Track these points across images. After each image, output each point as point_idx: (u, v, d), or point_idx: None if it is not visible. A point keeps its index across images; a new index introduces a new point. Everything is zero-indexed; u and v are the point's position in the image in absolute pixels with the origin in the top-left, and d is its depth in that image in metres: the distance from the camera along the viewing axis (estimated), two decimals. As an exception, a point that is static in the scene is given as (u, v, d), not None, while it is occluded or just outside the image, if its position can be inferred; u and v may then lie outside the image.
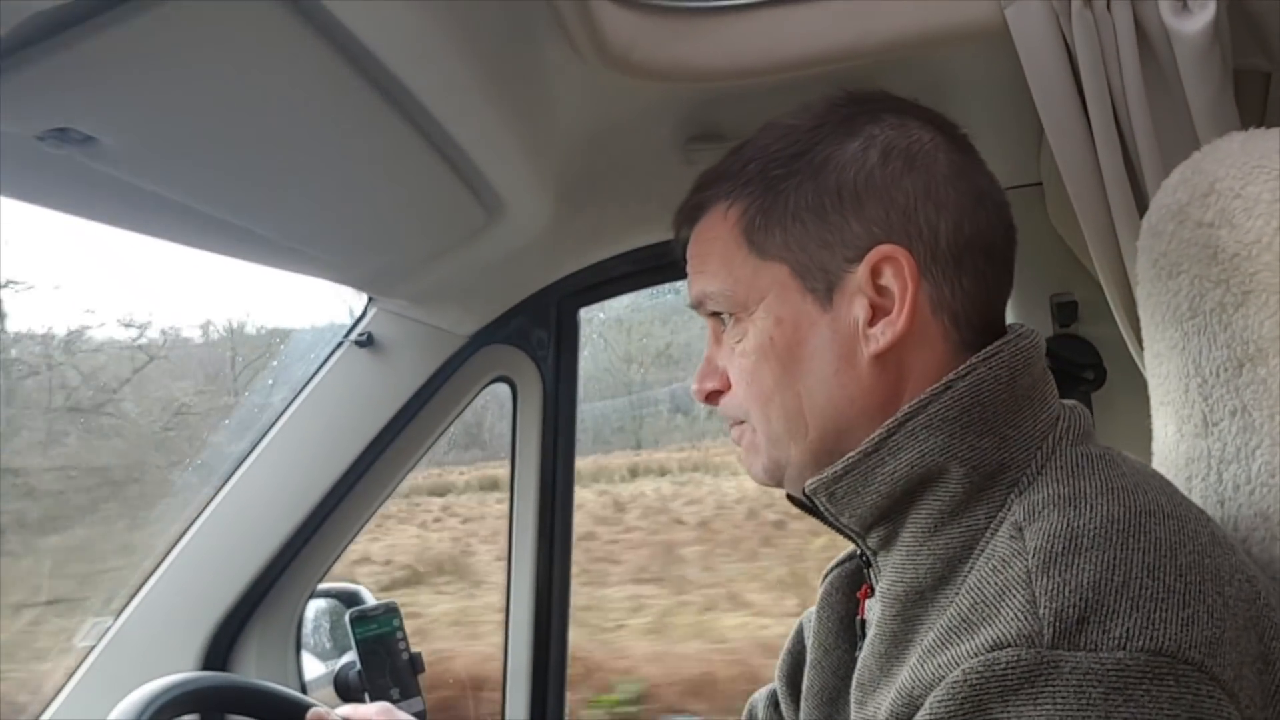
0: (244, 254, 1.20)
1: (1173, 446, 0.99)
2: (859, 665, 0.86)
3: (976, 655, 0.69)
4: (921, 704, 0.71)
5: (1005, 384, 0.82)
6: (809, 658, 1.05)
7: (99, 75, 0.73)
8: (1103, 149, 1.14)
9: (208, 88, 0.81)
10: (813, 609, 1.16)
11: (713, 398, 0.95)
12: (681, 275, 1.77)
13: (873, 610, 0.90)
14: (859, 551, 0.92)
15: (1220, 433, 0.91)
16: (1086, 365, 1.52)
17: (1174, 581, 0.69)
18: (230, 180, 0.98)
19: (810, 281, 0.86)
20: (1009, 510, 0.78)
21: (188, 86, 0.79)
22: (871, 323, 0.84)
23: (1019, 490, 0.79)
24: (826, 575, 1.07)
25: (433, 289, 1.53)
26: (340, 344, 1.65)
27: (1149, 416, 1.05)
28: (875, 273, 0.84)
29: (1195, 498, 0.93)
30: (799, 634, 1.17)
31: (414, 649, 1.60)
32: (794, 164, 0.87)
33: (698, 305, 0.94)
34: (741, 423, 0.93)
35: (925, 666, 0.73)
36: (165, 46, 0.73)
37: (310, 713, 1.25)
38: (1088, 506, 0.74)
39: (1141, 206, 1.12)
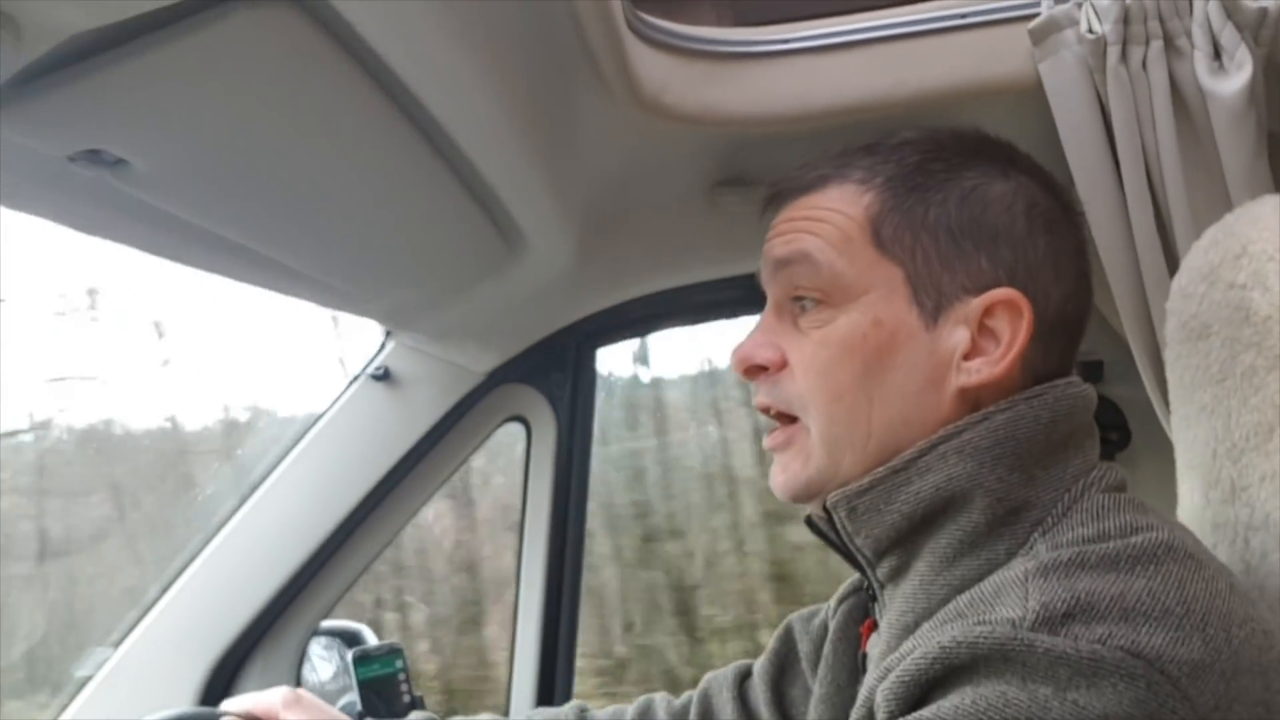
0: (267, 283, 1.20)
1: (1198, 512, 0.97)
2: (859, 700, 0.84)
3: (957, 629, 0.69)
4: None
5: (1044, 425, 0.81)
6: (818, 691, 1.02)
7: (131, 99, 0.73)
8: (1134, 208, 1.13)
9: (239, 115, 0.81)
10: (802, 611, 1.15)
11: (756, 373, 0.90)
12: (698, 320, 1.77)
13: (875, 645, 0.89)
14: (864, 584, 0.90)
15: (1249, 498, 0.89)
16: (1111, 427, 1.50)
17: (1174, 605, 0.68)
18: (257, 208, 0.98)
19: (921, 295, 0.85)
20: (1032, 548, 0.77)
21: (218, 113, 0.79)
22: (968, 357, 0.84)
23: (1043, 530, 0.78)
24: (841, 601, 1.06)
25: (452, 324, 1.53)
26: (356, 378, 1.64)
27: (1174, 481, 1.03)
28: (988, 312, 0.84)
29: (1222, 565, 0.91)
30: (787, 637, 1.14)
31: (416, 692, 1.57)
32: (944, 180, 0.86)
33: (784, 265, 0.89)
34: (792, 419, 0.89)
35: (906, 644, 0.74)
36: (198, 72, 0.73)
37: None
38: (1107, 541, 0.74)
39: (1172, 268, 1.11)
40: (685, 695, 1.23)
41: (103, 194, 0.83)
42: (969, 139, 0.90)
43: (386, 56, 0.79)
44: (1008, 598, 0.70)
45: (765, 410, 0.91)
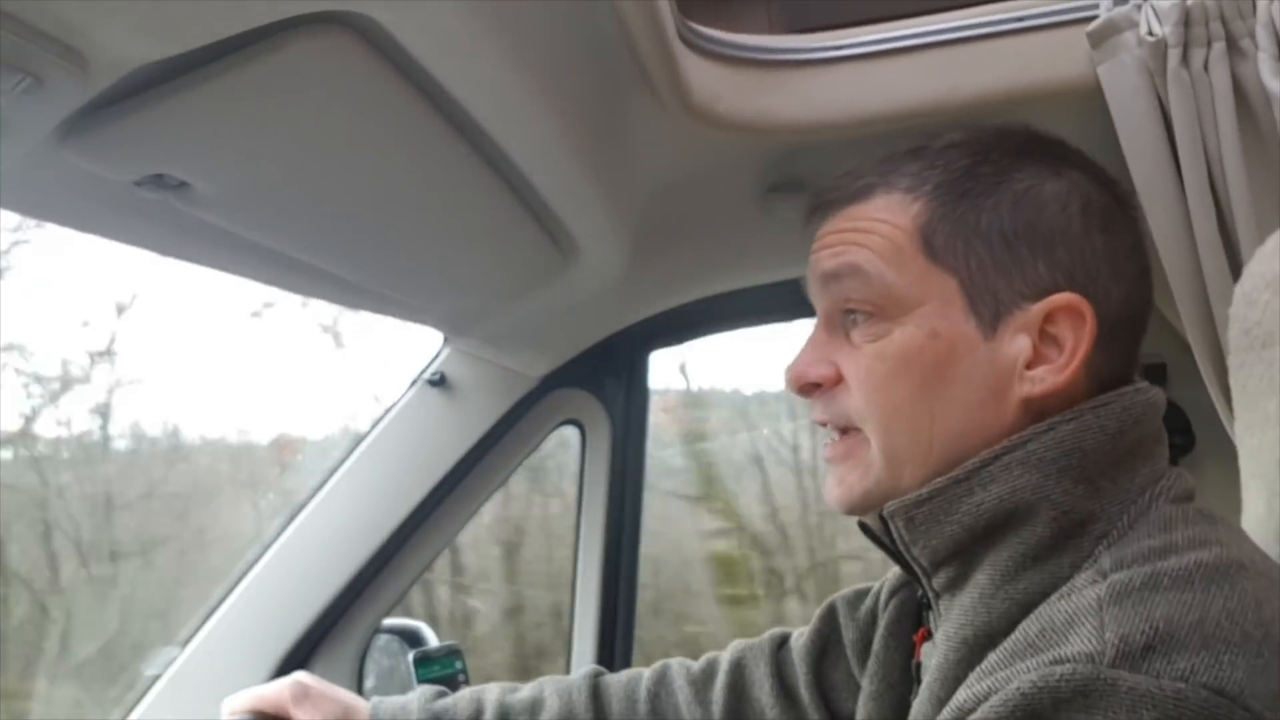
0: (328, 295, 1.22)
1: (1263, 520, 0.95)
2: (914, 712, 0.83)
3: (1035, 670, 0.67)
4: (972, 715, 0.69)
5: (1111, 435, 0.79)
6: (868, 687, 1.01)
7: (193, 125, 0.75)
8: (1196, 212, 1.11)
9: (297, 137, 0.82)
10: (845, 593, 1.13)
11: (810, 390, 0.88)
12: (753, 324, 1.76)
13: (930, 655, 0.87)
14: (919, 591, 0.89)
15: (1314, 510, 0.87)
16: (1175, 430, 1.47)
17: (1253, 629, 0.67)
18: (316, 226, 0.99)
19: (978, 305, 0.82)
20: (1097, 561, 0.75)
21: (278, 135, 0.81)
22: (1030, 365, 0.82)
23: (1108, 543, 0.76)
24: (893, 594, 1.03)
25: (507, 330, 1.54)
26: (414, 383, 1.67)
27: (1239, 486, 1.01)
28: (1049, 318, 0.81)
29: (1287, 575, 0.89)
30: (830, 617, 1.13)
31: (475, 692, 1.58)
32: (995, 184, 0.84)
33: (834, 279, 0.87)
34: (850, 430, 0.87)
35: (981, 683, 0.71)
36: (257, 97, 0.74)
37: None
38: (1175, 555, 0.72)
39: (1236, 272, 1.09)
40: (703, 659, 1.20)
41: (168, 216, 0.86)
42: (1017, 137, 0.88)
43: (439, 76, 0.80)
44: (1082, 628, 0.68)
45: (824, 425, 0.89)
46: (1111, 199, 0.86)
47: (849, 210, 0.88)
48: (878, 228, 0.85)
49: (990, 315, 0.82)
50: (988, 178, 0.84)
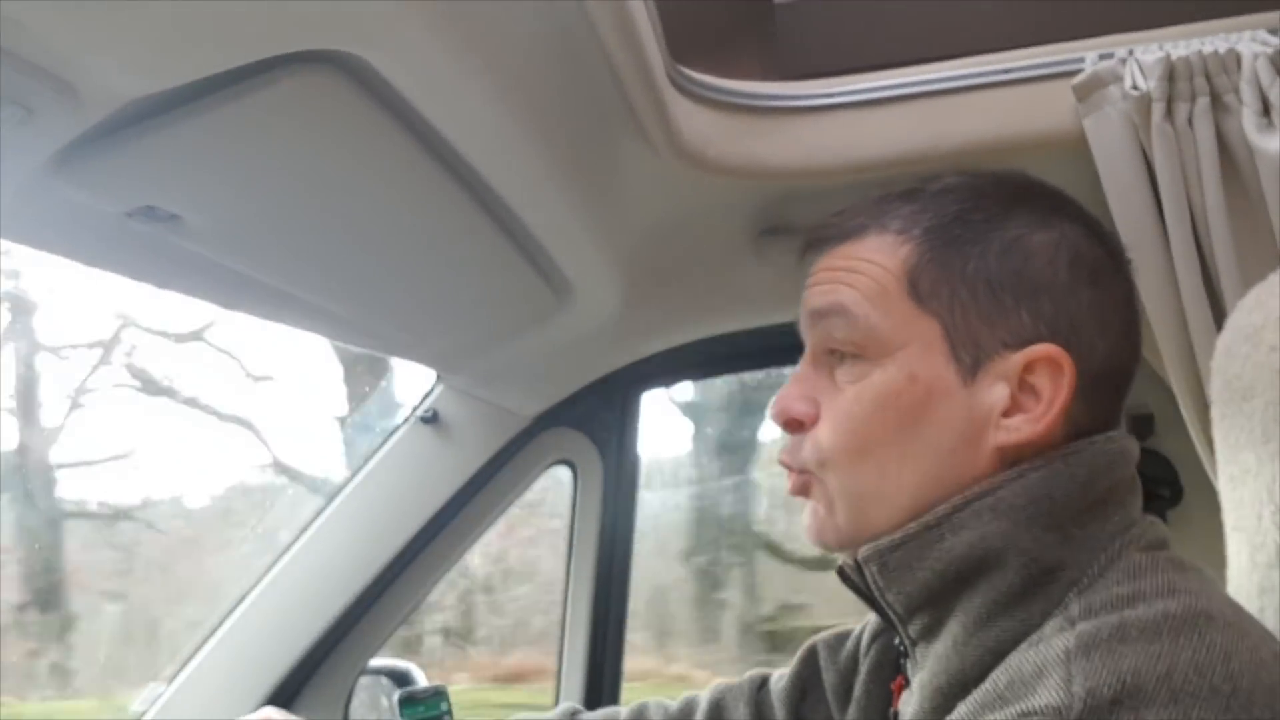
0: (319, 329, 1.23)
1: (1245, 574, 0.95)
2: None
3: None
4: None
5: (1081, 484, 0.79)
6: None
7: (185, 158, 0.76)
8: (1180, 264, 1.12)
9: (288, 172, 0.83)
10: (826, 635, 1.12)
11: (794, 426, 0.87)
12: (746, 368, 1.77)
13: (907, 704, 0.87)
14: (897, 640, 0.89)
15: (1296, 564, 0.87)
16: (1163, 482, 1.47)
17: (1221, 683, 0.66)
18: (308, 260, 1.00)
19: (959, 350, 0.82)
20: (1067, 609, 0.75)
21: (268, 170, 0.82)
22: (1007, 414, 0.81)
23: (1078, 590, 0.76)
24: (874, 639, 1.03)
25: (501, 369, 1.55)
26: (406, 420, 1.67)
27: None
28: (1029, 368, 0.81)
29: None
30: (811, 660, 1.12)
31: (462, 735, 1.58)
32: (984, 231, 0.84)
33: (821, 317, 0.87)
34: (807, 473, 0.86)
35: None
36: (249, 132, 0.76)
37: None
38: (1144, 604, 0.71)
39: (1220, 324, 1.09)
40: (682, 699, 1.20)
41: (158, 247, 0.87)
42: (1011, 185, 0.88)
43: (430, 116, 0.81)
44: (1050, 680, 0.68)
45: (785, 466, 0.89)
46: (1104, 253, 0.86)
47: (842, 248, 0.88)
48: (866, 268, 0.85)
49: (971, 361, 0.82)
50: (978, 224, 0.84)
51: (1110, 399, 0.86)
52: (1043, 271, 0.83)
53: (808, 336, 0.90)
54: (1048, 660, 0.70)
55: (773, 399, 0.90)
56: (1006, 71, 1.17)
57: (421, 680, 1.74)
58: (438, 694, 1.58)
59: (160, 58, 0.64)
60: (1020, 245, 0.83)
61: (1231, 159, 1.10)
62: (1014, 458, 0.82)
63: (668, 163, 1.13)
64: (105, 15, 0.58)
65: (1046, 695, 0.67)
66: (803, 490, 0.87)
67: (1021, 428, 0.81)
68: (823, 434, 0.85)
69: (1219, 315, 1.12)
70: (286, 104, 0.73)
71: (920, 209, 0.86)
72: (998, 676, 0.73)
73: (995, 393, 0.82)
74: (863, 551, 0.83)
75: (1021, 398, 0.81)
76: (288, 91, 0.71)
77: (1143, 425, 1.51)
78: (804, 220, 1.34)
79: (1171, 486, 1.48)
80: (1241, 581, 0.96)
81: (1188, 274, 1.12)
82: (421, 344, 1.41)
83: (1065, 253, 0.84)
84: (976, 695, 0.73)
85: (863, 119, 1.20)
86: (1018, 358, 0.81)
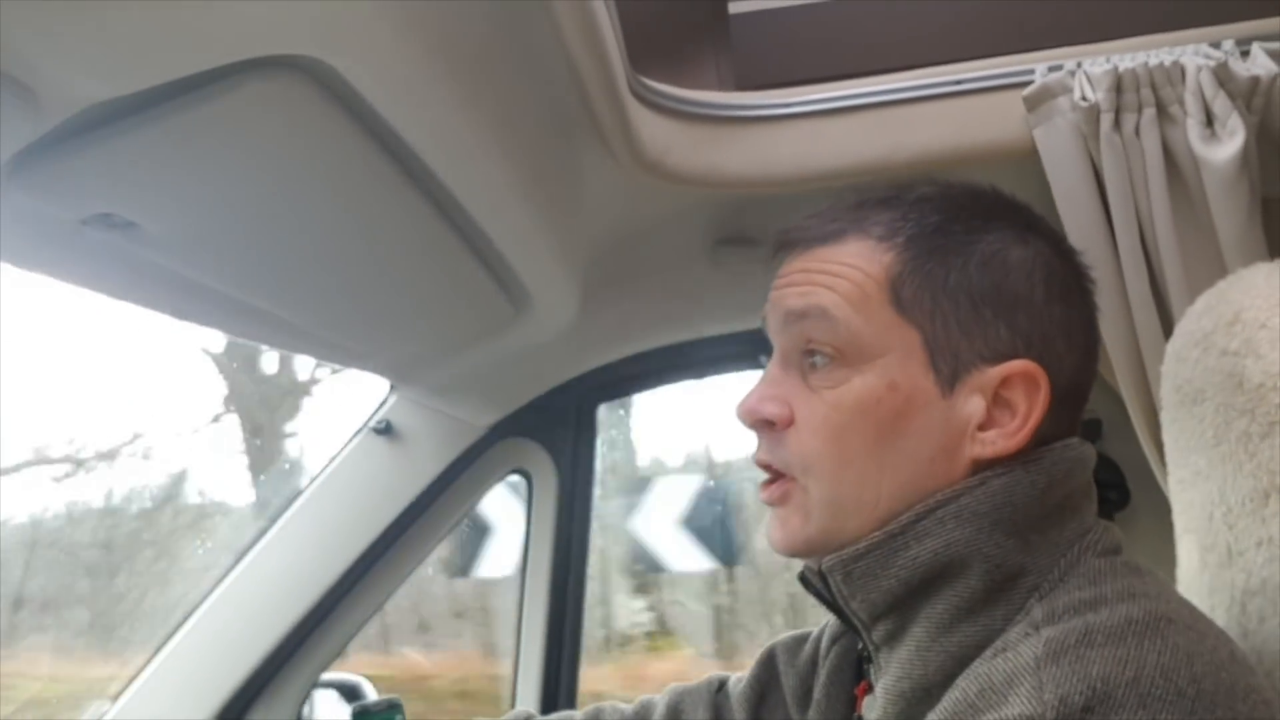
0: (274, 340, 1.22)
1: (1196, 575, 0.97)
2: None
3: None
4: None
5: (1040, 490, 0.80)
6: None
7: (143, 164, 0.74)
8: (1129, 272, 1.14)
9: (247, 179, 0.82)
10: (784, 639, 1.13)
11: (764, 427, 0.87)
12: (700, 376, 1.77)
13: (870, 709, 0.87)
14: (859, 644, 0.89)
15: (1245, 564, 0.89)
16: (1109, 485, 1.50)
17: (1186, 686, 0.67)
18: (264, 269, 0.99)
19: (938, 361, 0.82)
20: (1029, 614, 0.76)
21: (227, 177, 0.81)
22: (982, 427, 0.82)
23: (1039, 595, 0.77)
24: (834, 642, 1.03)
25: (455, 379, 1.54)
26: (359, 431, 1.65)
27: (1173, 541, 1.03)
28: (1005, 383, 0.82)
29: (1219, 629, 0.91)
30: (770, 663, 1.12)
31: (416, 747, 1.56)
32: (964, 244, 0.84)
33: (798, 318, 0.86)
34: (784, 478, 0.86)
35: None
36: (208, 138, 0.74)
37: None
38: (1106, 608, 0.73)
39: (1167, 331, 1.12)
40: (638, 701, 1.19)
41: (113, 255, 0.85)
42: (986, 199, 0.89)
43: (393, 121, 0.80)
44: (1021, 688, 0.69)
45: (764, 467, 0.88)
46: (1072, 271, 0.87)
47: (819, 251, 0.87)
48: (848, 273, 0.85)
49: (949, 373, 0.82)
50: (959, 235, 0.84)
51: (1073, 411, 0.87)
52: (1020, 286, 0.83)
53: (779, 338, 0.89)
54: (1018, 669, 0.71)
55: (740, 399, 0.88)
56: (959, 83, 1.19)
57: (372, 694, 1.72)
58: (391, 707, 1.56)
59: (122, 62, 0.63)
60: (999, 260, 0.84)
61: (1177, 168, 1.12)
62: (987, 470, 0.82)
63: (627, 171, 1.13)
64: (66, 18, 0.57)
65: (1019, 705, 0.68)
66: (781, 500, 0.87)
67: (997, 442, 0.82)
68: (805, 439, 0.85)
69: (1166, 321, 1.14)
70: (250, 110, 0.72)
71: (901, 217, 0.86)
72: (967, 685, 0.73)
73: (972, 405, 0.82)
74: (826, 562, 0.83)
75: (996, 411, 0.82)
76: (251, 97, 0.70)
77: (1091, 430, 1.53)
78: (759, 229, 1.36)
79: (1119, 490, 1.50)
80: (1191, 582, 0.98)
81: (1136, 281, 1.14)
82: (377, 354, 1.39)
83: (1041, 269, 0.84)
84: (947, 703, 0.74)
85: (818, 129, 1.21)
86: (994, 372, 0.82)
